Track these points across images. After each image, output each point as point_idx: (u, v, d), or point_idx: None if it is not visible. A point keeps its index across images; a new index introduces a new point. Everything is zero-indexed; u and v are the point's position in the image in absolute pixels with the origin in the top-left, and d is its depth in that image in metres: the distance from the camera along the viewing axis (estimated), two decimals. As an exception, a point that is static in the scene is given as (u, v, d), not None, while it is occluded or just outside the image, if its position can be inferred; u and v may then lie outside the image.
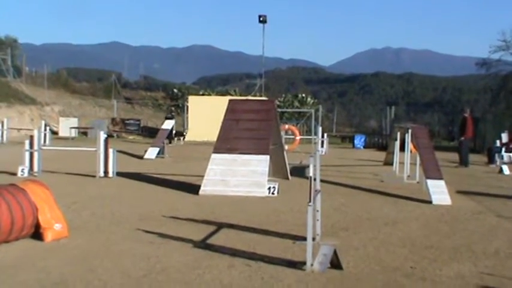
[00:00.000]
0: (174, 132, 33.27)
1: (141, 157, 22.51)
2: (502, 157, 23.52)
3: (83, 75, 79.06)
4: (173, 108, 50.39)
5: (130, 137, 39.89)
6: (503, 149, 24.00)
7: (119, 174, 15.86)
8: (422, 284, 6.25)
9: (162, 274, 6.30)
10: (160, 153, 23.09)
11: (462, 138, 22.61)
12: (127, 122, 42.42)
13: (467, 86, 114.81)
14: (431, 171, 13.28)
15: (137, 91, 63.14)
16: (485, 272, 6.76)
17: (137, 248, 7.46)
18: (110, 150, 15.73)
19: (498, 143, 24.90)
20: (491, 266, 7.07)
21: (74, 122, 39.78)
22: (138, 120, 43.16)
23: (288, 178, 15.57)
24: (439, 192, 12.56)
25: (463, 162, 22.22)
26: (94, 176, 15.34)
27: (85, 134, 39.48)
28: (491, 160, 23.74)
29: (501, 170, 20.34)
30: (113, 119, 42.47)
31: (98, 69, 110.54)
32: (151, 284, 5.98)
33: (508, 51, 43.65)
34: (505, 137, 25.37)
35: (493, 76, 44.99)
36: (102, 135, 16.05)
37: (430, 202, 12.21)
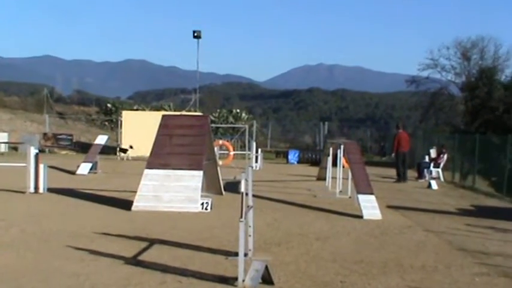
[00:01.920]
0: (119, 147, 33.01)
1: (73, 173, 22.11)
2: (430, 172, 24.11)
3: (14, 89, 77.27)
4: (106, 123, 49.71)
5: (63, 152, 39.13)
6: (432, 165, 24.59)
7: (50, 190, 15.52)
8: (352, 298, 6.34)
9: (92, 292, 6.21)
10: (93, 168, 22.74)
11: (393, 153, 23.15)
12: (59, 137, 41.55)
13: (398, 102, 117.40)
14: (363, 186, 13.52)
15: (70, 106, 62.11)
16: (412, 285, 6.92)
17: (66, 265, 7.32)
18: (41, 166, 15.40)
19: (427, 159, 25.51)
20: (418, 279, 7.23)
21: (3, 136, 38.76)
22: (71, 135, 42.33)
23: (221, 193, 15.57)
24: (369, 207, 12.79)
25: (400, 176, 22.76)
26: (24, 192, 14.97)
27: (15, 149, 38.53)
28: (420, 175, 24.32)
29: (429, 185, 20.88)
30: (45, 134, 41.52)
31: (30, 83, 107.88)
32: (80, 302, 5.88)
33: (436, 69, 45.03)
34: (433, 153, 25.98)
35: (423, 93, 46.28)
36: (33, 150, 15.70)
37: (361, 217, 12.41)
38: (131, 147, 31.55)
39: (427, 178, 23.24)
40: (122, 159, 32.03)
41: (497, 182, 22.61)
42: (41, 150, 25.36)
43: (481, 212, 14.81)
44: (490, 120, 37.22)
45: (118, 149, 33.10)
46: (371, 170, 19.50)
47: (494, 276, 7.51)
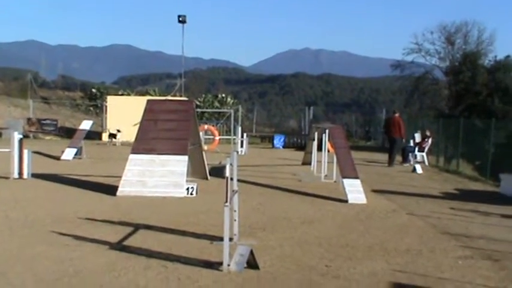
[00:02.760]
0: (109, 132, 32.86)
1: (58, 158, 21.96)
2: (415, 156, 24.20)
3: (-3, 74, 76.45)
4: (91, 109, 49.43)
5: (47, 138, 38.87)
6: (417, 149, 24.68)
7: (34, 175, 15.43)
8: (337, 282, 6.38)
9: (76, 277, 6.19)
10: (78, 154, 22.61)
11: (397, 137, 23.23)
12: (44, 122, 41.22)
13: (383, 86, 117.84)
14: (348, 170, 13.56)
15: (55, 91, 61.52)
16: (397, 269, 6.97)
17: (51, 251, 7.30)
18: (25, 151, 15.30)
19: (412, 143, 25.59)
20: (403, 263, 7.28)
21: (-14, 122, 38.38)
22: (55, 120, 41.99)
23: (207, 178, 15.56)
24: (354, 191, 12.84)
25: (391, 161, 22.97)
26: (8, 178, 14.87)
27: (-1, 134, 38.21)
28: (405, 159, 24.41)
29: (414, 169, 20.96)
30: (29, 119, 41.18)
31: (14, 68, 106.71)
32: (65, 287, 5.86)
33: (420, 54, 45.16)
34: (418, 137, 26.07)
35: (407, 78, 46.43)
36: (17, 136, 15.59)
37: (346, 201, 12.47)
38: (118, 131, 31.43)
39: (411, 162, 23.33)
40: (114, 144, 31.83)
41: (481, 165, 22.78)
42: (25, 136, 25.13)
43: (464, 195, 14.92)
44: (474, 104, 37.41)
45: (108, 134, 32.92)
46: (356, 155, 19.54)
47: (478, 259, 7.58)
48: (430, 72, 45.62)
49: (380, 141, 44.15)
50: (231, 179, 6.96)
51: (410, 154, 24.29)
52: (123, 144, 30.56)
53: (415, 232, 9.38)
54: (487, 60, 41.91)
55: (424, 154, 24.77)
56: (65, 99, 54.99)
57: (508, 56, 40.27)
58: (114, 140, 32.28)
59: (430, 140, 24.91)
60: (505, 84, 37.37)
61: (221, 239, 6.74)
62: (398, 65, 46.71)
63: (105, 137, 35.68)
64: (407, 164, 23.39)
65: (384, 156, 24.23)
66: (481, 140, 23.81)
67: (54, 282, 6.03)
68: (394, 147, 23.38)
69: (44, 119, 41.92)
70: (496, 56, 41.27)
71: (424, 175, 20.05)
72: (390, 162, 22.94)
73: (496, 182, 17.10)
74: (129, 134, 27.28)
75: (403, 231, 9.46)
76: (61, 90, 62.26)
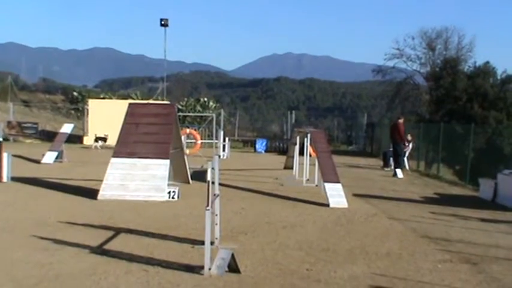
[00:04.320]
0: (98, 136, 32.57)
1: (38, 161, 21.83)
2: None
3: (-24, 77, 75.72)
4: (73, 112, 49.19)
5: (28, 141, 38.60)
6: (405, 154, 24.78)
7: (14, 179, 15.33)
8: (317, 286, 6.41)
9: (56, 282, 6.17)
10: (59, 157, 22.49)
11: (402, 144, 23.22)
12: (24, 125, 40.98)
13: (365, 91, 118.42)
14: (329, 175, 13.61)
15: (35, 94, 61.10)
16: (377, 272, 7.01)
17: (31, 255, 7.26)
18: (4, 154, 15.19)
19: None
20: (384, 267, 7.33)
21: (-34, 125, 38.05)
22: (36, 123, 41.77)
23: (188, 182, 15.54)
24: (336, 195, 12.90)
25: (399, 165, 22.86)
26: (-13, 182, 14.77)
27: (-22, 137, 37.85)
28: (386, 164, 24.55)
29: (395, 174, 21.09)
30: (9, 122, 40.88)
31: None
32: (45, 292, 5.84)
33: (401, 59, 45.48)
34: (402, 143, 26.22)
35: (389, 83, 46.75)
36: (-4, 139, 15.48)
37: (328, 205, 12.52)
38: (104, 138, 31.31)
39: (392, 167, 23.45)
40: (101, 147, 31.58)
41: (461, 170, 22.97)
42: (5, 139, 24.99)
43: (444, 200, 15.04)
44: (454, 109, 37.65)
45: (95, 138, 32.65)
46: (338, 159, 19.63)
47: (457, 263, 7.65)
48: (411, 77, 45.96)
49: (361, 145, 44.40)
50: (213, 182, 6.98)
51: (391, 159, 24.40)
52: (102, 147, 30.45)
53: (396, 236, 9.44)
54: (466, 66, 42.28)
55: (405, 159, 24.89)
56: (46, 102, 54.68)
57: (487, 62, 40.60)
58: (100, 143, 31.98)
59: (411, 145, 25.04)
60: (484, 90, 37.67)
61: (202, 242, 6.73)
62: (380, 70, 47.03)
63: (87, 140, 35.54)
64: (389, 169, 23.52)
65: (365, 161, 24.33)
66: (460, 145, 24.01)
67: (34, 287, 6.00)
68: (396, 153, 23.38)
69: (25, 122, 41.70)
70: (475, 62, 41.62)
71: (404, 179, 20.18)
72: (398, 165, 22.80)
73: (475, 186, 17.26)
74: (111, 137, 27.22)
75: (384, 235, 9.52)
76: (42, 93, 61.86)
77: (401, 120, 23.72)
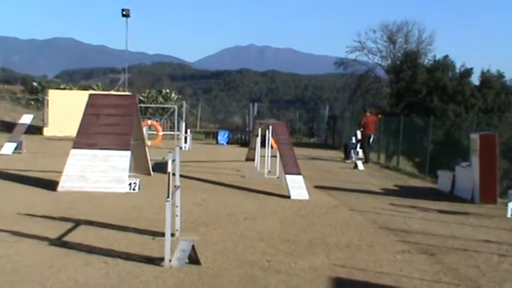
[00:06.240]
0: None
1: (-4, 153, 21.49)
2: (357, 153, 24.57)
3: None
4: (32, 103, 48.47)
5: (-15, 132, 37.97)
6: (358, 146, 25.05)
7: (-30, 170, 15.08)
8: (277, 276, 6.43)
9: (13, 274, 6.08)
10: (18, 148, 22.16)
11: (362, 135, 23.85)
12: (-19, 116, 40.34)
13: (327, 84, 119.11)
14: (290, 166, 13.67)
15: (-6, 84, 60.06)
16: (337, 263, 7.08)
17: (-12, 247, 7.15)
18: (-39, 146, 14.94)
19: (354, 140, 25.94)
20: (343, 258, 7.40)
21: None
22: (-6, 114, 41.12)
23: (150, 174, 15.47)
24: (297, 187, 12.96)
25: (366, 158, 23.46)
26: None
27: None
28: (347, 156, 24.78)
29: (356, 166, 21.31)
30: (-34, 113, 40.20)
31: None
32: (1, 285, 5.75)
33: (363, 52, 45.91)
34: (359, 134, 26.49)
35: (350, 75, 47.16)
36: (-48, 130, 15.20)
37: (289, 197, 12.57)
38: None
39: (353, 159, 23.69)
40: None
41: (420, 162, 23.31)
42: (-38, 130, 24.54)
43: (404, 191, 15.26)
44: (414, 102, 38.19)
45: None
46: (300, 151, 19.73)
47: (415, 254, 7.76)
48: (372, 70, 46.46)
49: (323, 138, 44.69)
50: (174, 174, 6.95)
51: (352, 151, 24.65)
52: (61, 139, 30.10)
53: (356, 227, 9.54)
54: (426, 60, 42.93)
55: (359, 150, 25.14)
56: (5, 93, 53.71)
57: (446, 56, 41.28)
58: None
59: (372, 137, 25.30)
60: (443, 83, 38.27)
61: (163, 234, 6.70)
62: (341, 62, 47.42)
63: (47, 131, 35.10)
64: (350, 161, 23.75)
65: (327, 153, 24.52)
66: (420, 138, 24.37)
67: (-9, 279, 5.91)
68: (364, 144, 23.98)
69: (-18, 113, 40.91)
70: (435, 56, 42.31)
71: (365, 171, 20.40)
72: (366, 158, 23.58)
73: (434, 178, 17.53)
74: (71, 128, 26.91)
75: (344, 226, 9.61)
76: (0, 84, 60.77)
77: (368, 113, 24.19)
